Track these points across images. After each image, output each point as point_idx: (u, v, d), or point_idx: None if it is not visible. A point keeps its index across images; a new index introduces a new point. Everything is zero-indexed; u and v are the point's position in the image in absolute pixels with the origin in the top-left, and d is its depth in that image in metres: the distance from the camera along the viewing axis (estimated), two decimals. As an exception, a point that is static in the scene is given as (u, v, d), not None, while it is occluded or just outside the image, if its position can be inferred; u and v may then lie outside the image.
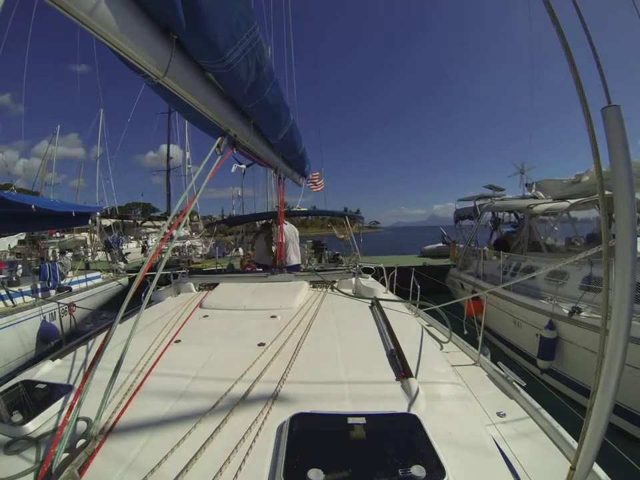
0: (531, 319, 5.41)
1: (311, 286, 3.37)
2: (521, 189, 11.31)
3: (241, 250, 10.70)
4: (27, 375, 1.67)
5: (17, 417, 1.28)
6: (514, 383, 1.98)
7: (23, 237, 10.58)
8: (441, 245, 16.08)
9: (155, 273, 1.71)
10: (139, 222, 23.52)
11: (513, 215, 10.34)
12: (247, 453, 1.06)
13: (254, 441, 1.12)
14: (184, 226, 18.73)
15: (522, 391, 1.92)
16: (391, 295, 3.26)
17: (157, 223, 22.88)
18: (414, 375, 1.45)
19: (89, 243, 15.58)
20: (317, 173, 12.28)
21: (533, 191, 8.66)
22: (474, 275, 8.35)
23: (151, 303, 3.06)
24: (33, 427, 1.25)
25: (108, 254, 12.63)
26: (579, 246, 6.52)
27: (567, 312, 4.56)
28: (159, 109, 26.90)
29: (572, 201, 6.30)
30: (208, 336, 2.14)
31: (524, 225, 7.68)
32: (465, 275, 9.01)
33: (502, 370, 2.15)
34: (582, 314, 4.39)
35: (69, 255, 11.51)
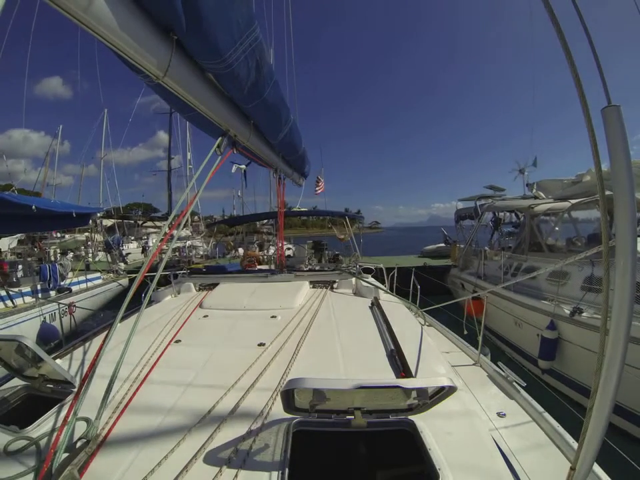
0: (532, 319, 5.40)
1: (311, 286, 3.36)
2: (516, 183, 11.39)
3: (240, 250, 10.70)
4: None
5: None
6: (514, 383, 1.97)
7: (23, 237, 10.58)
8: (440, 245, 16.10)
9: (155, 273, 1.71)
10: (140, 222, 23.50)
11: (513, 214, 10.33)
12: (247, 453, 1.06)
13: (254, 441, 1.12)
14: (185, 226, 18.73)
15: (522, 391, 1.91)
16: (391, 295, 3.25)
17: (158, 224, 22.84)
18: (414, 375, 1.45)
19: (89, 243, 15.57)
20: (322, 181, 12.82)
21: (534, 190, 8.64)
22: (475, 275, 8.35)
23: (151, 303, 3.06)
24: (32, 427, 1.25)
25: (108, 255, 12.63)
26: (580, 246, 6.50)
27: (568, 312, 4.55)
28: (152, 111, 26.65)
29: (573, 201, 6.28)
30: (208, 336, 2.14)
31: (525, 225, 7.66)
32: (465, 275, 9.01)
33: (502, 370, 2.14)
34: (583, 314, 4.39)
35: (70, 255, 11.50)
